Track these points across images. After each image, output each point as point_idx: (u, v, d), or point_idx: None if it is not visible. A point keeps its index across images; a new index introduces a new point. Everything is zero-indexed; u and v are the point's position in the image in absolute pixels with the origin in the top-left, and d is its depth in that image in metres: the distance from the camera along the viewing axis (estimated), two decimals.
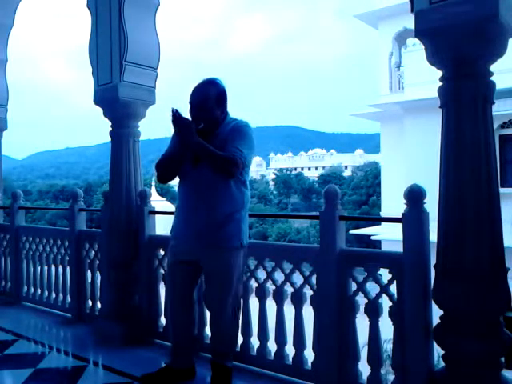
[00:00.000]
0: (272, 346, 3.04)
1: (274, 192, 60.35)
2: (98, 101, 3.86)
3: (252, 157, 2.74)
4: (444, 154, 2.20)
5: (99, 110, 3.90)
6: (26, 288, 4.88)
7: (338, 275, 2.71)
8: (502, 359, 2.18)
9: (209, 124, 2.70)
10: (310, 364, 2.87)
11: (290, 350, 2.98)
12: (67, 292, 4.45)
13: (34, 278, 4.79)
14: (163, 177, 2.86)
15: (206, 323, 3.21)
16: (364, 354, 2.66)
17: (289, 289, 3.00)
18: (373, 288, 2.64)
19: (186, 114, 2.71)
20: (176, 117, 2.62)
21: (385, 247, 12.50)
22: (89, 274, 4.28)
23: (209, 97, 2.70)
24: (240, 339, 3.08)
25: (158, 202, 18.76)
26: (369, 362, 2.66)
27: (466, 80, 2.15)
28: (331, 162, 75.19)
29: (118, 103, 3.67)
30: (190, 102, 2.75)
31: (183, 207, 2.81)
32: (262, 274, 3.11)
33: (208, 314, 2.92)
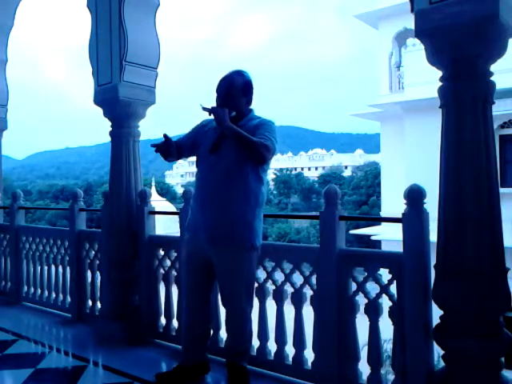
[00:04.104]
0: (272, 345, 3.04)
1: (274, 192, 60.30)
2: (97, 101, 3.86)
3: (275, 154, 2.75)
4: (444, 154, 2.20)
5: (99, 110, 3.90)
6: (26, 288, 4.88)
7: (338, 275, 2.71)
8: (502, 359, 2.18)
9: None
10: (309, 364, 2.87)
11: (290, 349, 2.98)
12: (67, 292, 4.45)
13: (34, 278, 4.79)
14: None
15: (221, 326, 3.20)
16: (364, 353, 2.66)
17: (289, 289, 3.00)
18: (373, 288, 2.64)
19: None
20: (208, 109, 2.66)
21: (385, 247, 12.49)
22: (89, 274, 4.28)
23: (234, 85, 2.75)
24: None
25: (157, 201, 18.77)
26: (369, 362, 2.66)
27: (465, 80, 2.15)
28: (331, 161, 75.13)
29: (118, 103, 3.67)
30: (217, 91, 2.78)
31: (198, 198, 2.80)
32: (262, 274, 3.11)
33: (223, 317, 2.91)
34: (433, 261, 2.31)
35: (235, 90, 2.74)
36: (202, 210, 2.75)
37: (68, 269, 4.45)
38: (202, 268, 2.81)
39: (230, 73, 2.80)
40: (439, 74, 2.23)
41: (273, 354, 3.03)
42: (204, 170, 2.79)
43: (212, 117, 2.70)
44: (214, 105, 2.76)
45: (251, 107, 2.86)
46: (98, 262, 4.19)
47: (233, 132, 2.61)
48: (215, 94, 2.80)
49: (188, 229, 2.90)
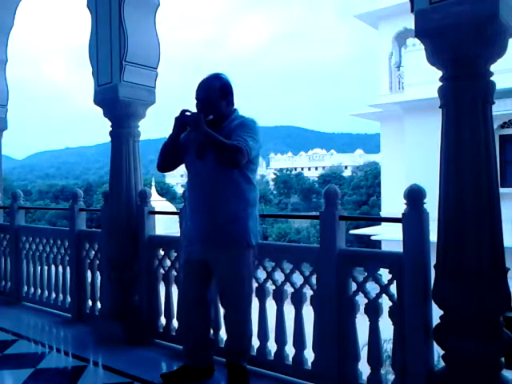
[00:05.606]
0: (272, 345, 3.04)
1: (274, 192, 60.33)
2: (97, 101, 3.86)
3: (258, 151, 2.72)
4: (444, 154, 2.20)
5: (99, 110, 3.90)
6: (26, 288, 4.88)
7: (338, 275, 2.71)
8: (502, 359, 2.18)
9: (215, 116, 2.71)
10: (309, 364, 2.87)
11: (290, 349, 2.98)
12: (67, 292, 4.45)
13: (34, 278, 4.79)
14: (158, 164, 2.92)
15: (221, 326, 3.20)
16: (364, 353, 2.66)
17: (289, 289, 3.00)
18: (373, 288, 2.64)
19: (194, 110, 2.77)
20: (185, 114, 2.68)
21: (385, 247, 12.49)
22: (89, 274, 4.28)
23: (212, 88, 2.74)
24: None
25: (157, 201, 18.77)
26: (369, 362, 2.66)
27: (465, 80, 2.15)
28: (331, 161, 75.13)
29: (118, 103, 3.67)
30: (196, 97, 2.79)
31: (190, 204, 2.84)
32: (262, 274, 3.11)
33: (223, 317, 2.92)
34: (433, 261, 2.31)
35: (213, 94, 2.73)
36: (194, 214, 2.78)
37: (68, 269, 4.45)
38: (200, 273, 2.82)
39: (207, 77, 2.80)
40: (439, 73, 2.23)
41: (273, 354, 3.03)
42: (192, 174, 2.81)
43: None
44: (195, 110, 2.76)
45: (235, 107, 2.84)
46: (98, 262, 4.19)
47: (207, 137, 2.62)
48: (195, 100, 2.80)
49: (184, 234, 2.93)
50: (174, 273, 3.57)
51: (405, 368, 2.46)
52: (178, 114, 2.74)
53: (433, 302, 2.31)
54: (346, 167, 70.48)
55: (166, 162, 2.91)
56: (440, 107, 2.24)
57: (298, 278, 2.93)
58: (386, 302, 2.61)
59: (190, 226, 2.83)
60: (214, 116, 2.70)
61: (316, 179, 62.98)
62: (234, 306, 2.78)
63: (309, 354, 2.89)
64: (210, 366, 2.95)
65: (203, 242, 2.73)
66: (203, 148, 2.71)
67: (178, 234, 3.48)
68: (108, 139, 3.86)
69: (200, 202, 2.74)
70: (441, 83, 2.22)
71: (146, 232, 3.75)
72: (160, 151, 2.88)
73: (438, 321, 2.28)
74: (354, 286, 2.72)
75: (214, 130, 2.66)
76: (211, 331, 3.04)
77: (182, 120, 2.71)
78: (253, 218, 2.74)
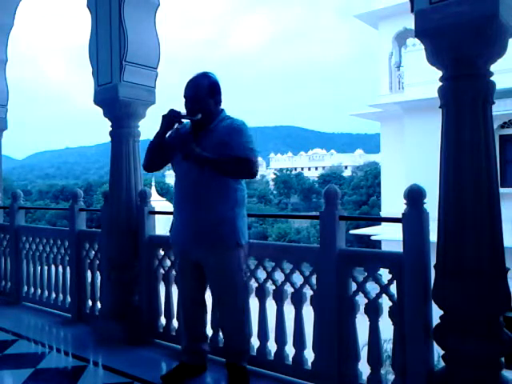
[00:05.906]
0: (272, 345, 3.04)
1: (274, 192, 60.38)
2: (97, 101, 3.86)
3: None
4: (444, 154, 2.20)
5: (99, 110, 3.90)
6: (26, 288, 4.88)
7: (338, 275, 2.71)
8: (502, 359, 2.18)
9: (203, 116, 2.71)
10: (309, 364, 2.87)
11: (290, 349, 2.98)
12: (67, 292, 4.45)
13: (34, 278, 4.78)
14: (146, 163, 2.91)
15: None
16: (364, 353, 2.66)
17: (289, 289, 3.00)
18: (373, 288, 2.64)
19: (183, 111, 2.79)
20: (173, 115, 2.68)
21: (385, 247, 12.49)
22: (89, 274, 4.28)
23: (201, 87, 2.74)
24: None
25: (157, 201, 18.77)
26: (369, 362, 2.66)
27: (465, 80, 2.15)
28: (331, 161, 75.19)
29: (118, 103, 3.67)
30: (184, 95, 2.79)
31: (176, 205, 2.84)
32: (262, 274, 3.10)
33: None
34: (433, 261, 2.31)
35: (202, 92, 2.73)
36: (182, 214, 2.78)
37: (68, 269, 4.45)
38: (193, 272, 2.83)
39: (196, 76, 2.80)
40: (439, 73, 2.23)
41: (273, 354, 3.03)
42: (179, 174, 2.81)
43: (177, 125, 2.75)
44: (183, 109, 2.77)
45: (222, 107, 2.84)
46: (98, 262, 4.18)
47: (210, 163, 2.61)
48: (183, 99, 2.80)
49: (171, 235, 2.93)
50: (174, 273, 3.57)
51: (405, 368, 2.46)
52: (166, 112, 2.73)
53: (433, 302, 2.31)
54: (346, 167, 70.53)
55: (153, 161, 2.89)
56: (440, 107, 2.24)
57: (298, 278, 2.93)
58: (386, 302, 2.60)
59: (178, 225, 2.82)
60: (201, 115, 2.70)
61: (316, 179, 63.02)
62: (229, 307, 2.79)
63: (309, 354, 2.89)
64: (205, 362, 3.00)
65: (192, 243, 2.74)
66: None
67: None
68: (108, 139, 3.86)
69: (187, 202, 2.74)
70: (441, 83, 2.22)
71: (146, 232, 3.75)
72: (146, 150, 2.86)
73: (438, 321, 2.28)
74: (354, 286, 2.72)
75: (202, 129, 2.68)
76: (207, 329, 3.06)
77: (171, 121, 2.71)
78: (241, 217, 2.74)
